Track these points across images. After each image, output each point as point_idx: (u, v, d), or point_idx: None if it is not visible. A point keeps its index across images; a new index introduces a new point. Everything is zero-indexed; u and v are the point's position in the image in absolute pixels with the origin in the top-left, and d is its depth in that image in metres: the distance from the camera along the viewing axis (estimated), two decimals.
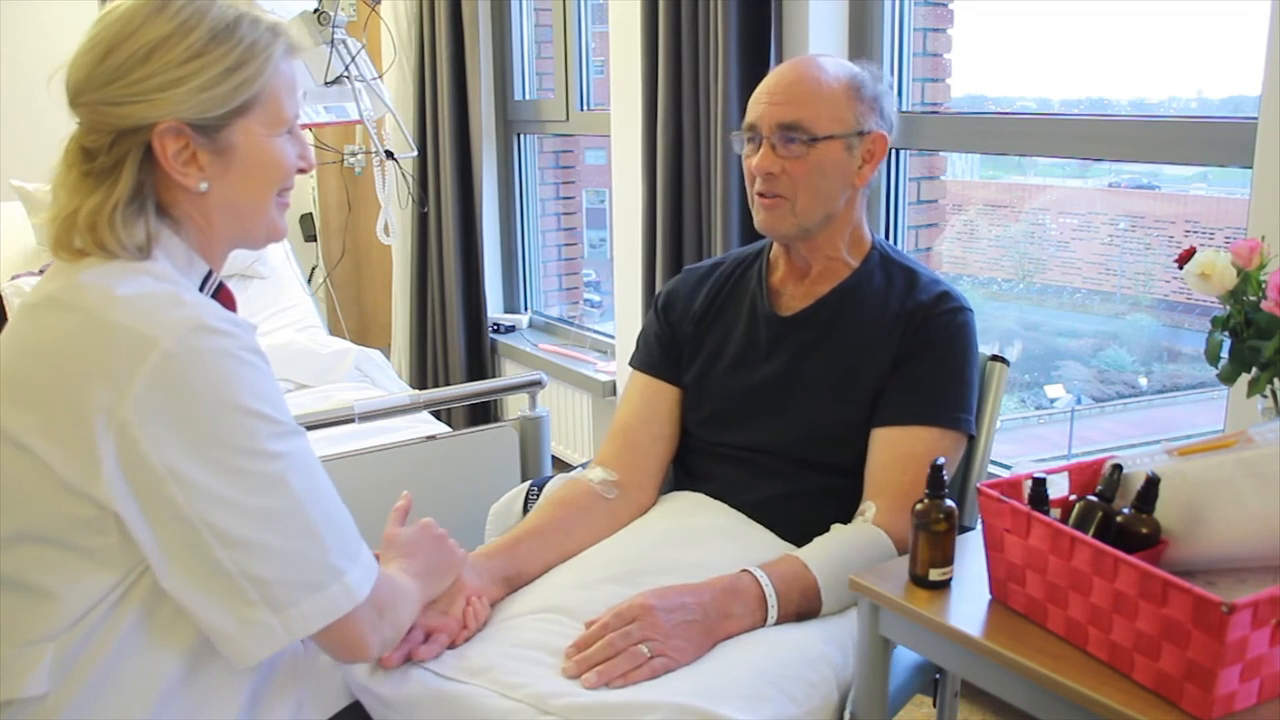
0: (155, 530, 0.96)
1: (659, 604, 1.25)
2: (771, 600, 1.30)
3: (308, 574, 1.00)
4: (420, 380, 3.80)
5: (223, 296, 1.14)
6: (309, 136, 3.23)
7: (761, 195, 1.48)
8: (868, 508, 1.41)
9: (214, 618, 0.98)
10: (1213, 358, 1.22)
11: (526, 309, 3.80)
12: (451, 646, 1.25)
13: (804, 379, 1.51)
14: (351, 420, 1.86)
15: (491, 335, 3.62)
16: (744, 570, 1.32)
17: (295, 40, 1.12)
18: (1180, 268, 1.22)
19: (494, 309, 3.70)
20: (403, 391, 2.85)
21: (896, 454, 1.42)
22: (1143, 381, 2.79)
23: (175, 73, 1.01)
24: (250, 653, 1.00)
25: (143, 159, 1.03)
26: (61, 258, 1.04)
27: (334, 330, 3.55)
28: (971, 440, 1.49)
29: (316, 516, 1.02)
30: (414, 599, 1.21)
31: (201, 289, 1.10)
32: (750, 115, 1.49)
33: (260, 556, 0.98)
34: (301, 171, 1.14)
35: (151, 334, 0.95)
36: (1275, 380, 1.17)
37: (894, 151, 2.34)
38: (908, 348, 1.47)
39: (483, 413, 3.50)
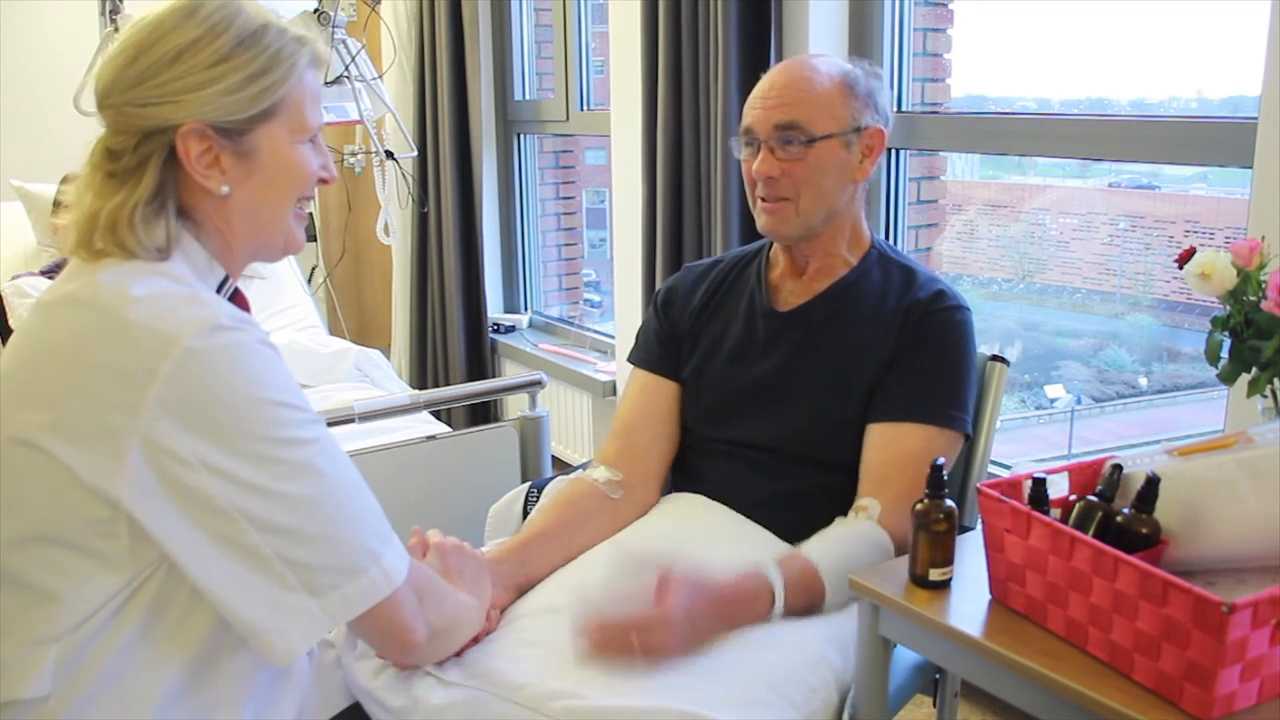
0: (192, 526, 0.96)
1: (678, 627, 1.20)
2: (776, 612, 1.28)
3: (345, 558, 1.01)
4: (420, 380, 3.80)
5: (238, 301, 1.14)
6: None
7: (764, 199, 1.49)
8: (870, 505, 1.39)
9: (253, 609, 0.98)
10: (1213, 358, 1.22)
11: (526, 309, 3.80)
12: (457, 655, 1.25)
13: (801, 375, 1.51)
14: (351, 420, 1.86)
15: (491, 335, 3.62)
16: (766, 581, 1.29)
17: (320, 52, 1.13)
18: (1180, 268, 1.22)
19: (494, 309, 3.70)
20: (403, 391, 2.84)
21: (895, 452, 1.42)
22: (1143, 381, 2.79)
23: (201, 75, 1.03)
24: (291, 642, 0.99)
25: (166, 160, 1.04)
26: (81, 257, 1.05)
27: (334, 330, 3.54)
28: (970, 440, 1.49)
29: (348, 501, 1.02)
30: (475, 612, 1.23)
31: (217, 293, 1.10)
32: (746, 119, 1.50)
33: (298, 542, 0.98)
34: (323, 182, 1.15)
35: (172, 332, 0.95)
36: (1275, 380, 1.17)
37: (894, 151, 2.34)
38: (905, 345, 1.46)
39: (483, 413, 3.50)
